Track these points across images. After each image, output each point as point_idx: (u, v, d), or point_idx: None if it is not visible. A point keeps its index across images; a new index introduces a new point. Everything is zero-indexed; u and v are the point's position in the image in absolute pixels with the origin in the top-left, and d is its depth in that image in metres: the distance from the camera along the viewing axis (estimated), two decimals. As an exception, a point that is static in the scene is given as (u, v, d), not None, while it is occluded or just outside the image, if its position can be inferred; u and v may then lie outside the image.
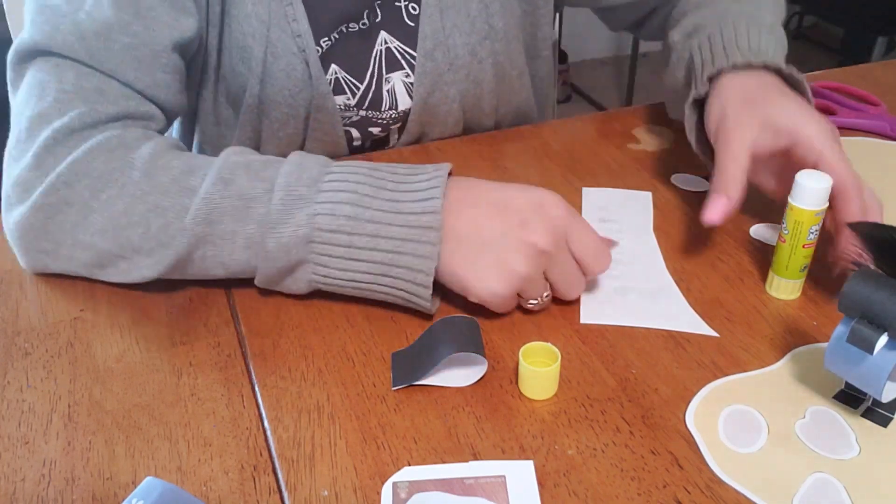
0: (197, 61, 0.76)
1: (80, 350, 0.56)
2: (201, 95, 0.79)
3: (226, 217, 0.56)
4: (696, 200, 0.72)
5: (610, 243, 0.64)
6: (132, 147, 0.61)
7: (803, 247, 0.57)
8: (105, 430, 0.50)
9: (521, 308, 0.58)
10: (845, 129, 0.85)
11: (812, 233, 0.57)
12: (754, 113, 0.62)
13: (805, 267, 0.59)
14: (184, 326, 0.58)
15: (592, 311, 0.59)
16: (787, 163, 0.61)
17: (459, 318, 0.54)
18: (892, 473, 0.46)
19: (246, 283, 0.62)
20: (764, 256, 0.64)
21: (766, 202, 0.71)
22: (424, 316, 0.58)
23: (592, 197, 0.73)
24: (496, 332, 0.57)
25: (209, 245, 0.57)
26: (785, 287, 0.59)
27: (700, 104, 0.70)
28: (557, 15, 0.90)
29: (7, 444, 0.49)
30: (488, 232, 0.54)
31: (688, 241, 0.67)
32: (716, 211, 0.60)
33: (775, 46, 0.69)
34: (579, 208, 0.71)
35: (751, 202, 0.71)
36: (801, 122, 0.60)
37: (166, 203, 0.57)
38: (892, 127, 0.83)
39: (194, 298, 0.61)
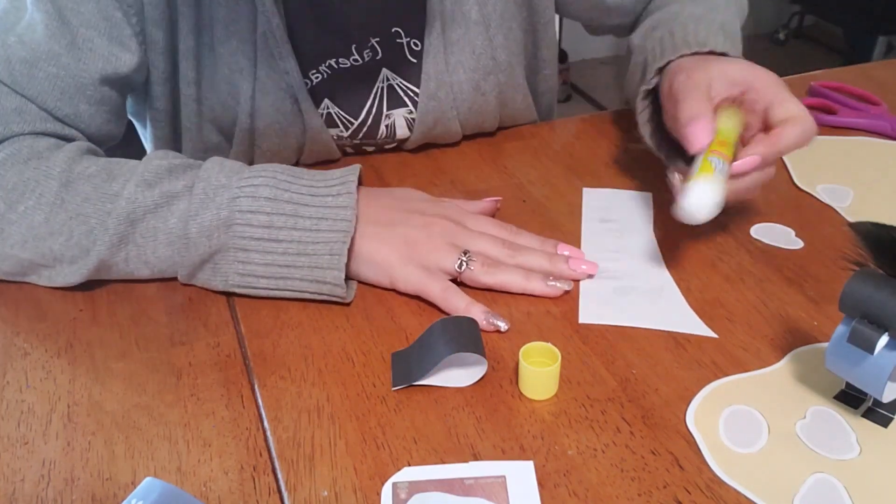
0: (158, 92, 0.75)
1: (79, 350, 0.56)
2: (182, 123, 0.78)
3: (148, 215, 0.58)
4: (697, 200, 0.72)
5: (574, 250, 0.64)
6: (45, 157, 0.61)
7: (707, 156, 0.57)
8: (104, 430, 0.50)
9: (459, 283, 0.60)
10: (845, 129, 0.85)
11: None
12: (707, 68, 0.66)
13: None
14: (184, 326, 0.58)
15: (591, 312, 0.59)
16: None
17: (460, 318, 0.54)
18: (893, 474, 0.46)
19: (246, 283, 0.62)
20: (764, 256, 0.64)
21: (766, 202, 0.71)
22: (424, 316, 0.58)
23: (592, 197, 0.73)
24: (496, 331, 0.57)
25: (132, 245, 0.59)
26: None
27: (654, 100, 0.72)
28: (556, 17, 0.89)
29: (6, 444, 0.49)
30: (396, 214, 0.61)
31: (688, 241, 0.67)
32: (702, 133, 0.60)
33: (724, 40, 0.71)
34: (579, 208, 0.71)
35: (751, 202, 0.72)
36: (754, 72, 0.65)
37: (88, 210, 0.58)
38: (893, 127, 0.83)
39: (194, 298, 0.61)
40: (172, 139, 0.80)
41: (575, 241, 0.66)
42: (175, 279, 0.62)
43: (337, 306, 0.60)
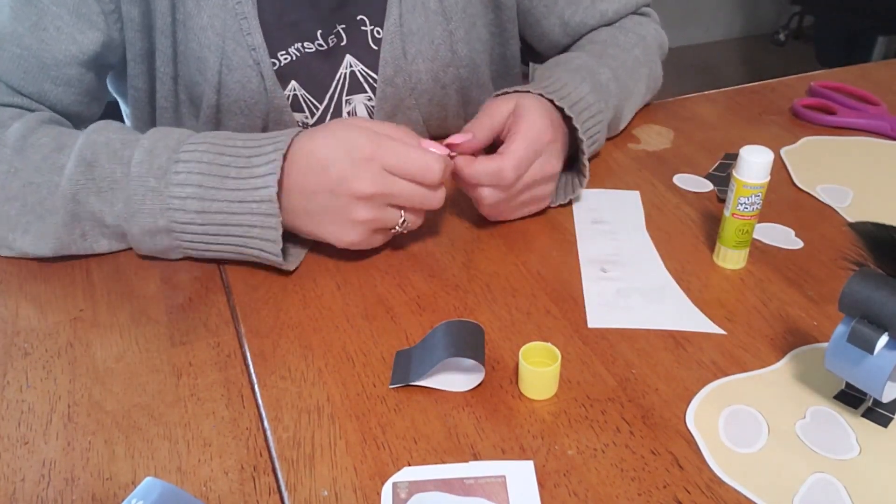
0: (135, 70, 0.76)
1: (79, 350, 0.56)
2: (158, 103, 0.78)
3: (92, 197, 0.61)
4: (697, 200, 0.72)
5: (438, 147, 0.63)
6: (4, 125, 0.64)
7: (732, 216, 0.61)
8: (105, 430, 0.50)
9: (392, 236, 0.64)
10: (845, 129, 0.85)
11: (741, 203, 0.61)
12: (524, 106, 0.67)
13: (742, 238, 0.62)
14: (184, 326, 0.58)
15: (600, 317, 0.58)
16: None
17: (465, 322, 0.54)
18: (893, 473, 0.46)
19: (246, 283, 0.62)
20: (764, 256, 0.64)
21: (766, 202, 0.71)
22: (424, 316, 0.58)
23: (582, 198, 0.73)
24: (496, 332, 0.57)
25: (85, 221, 0.63)
26: (726, 256, 0.63)
27: None
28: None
29: (7, 444, 0.49)
30: (320, 198, 0.60)
31: (688, 241, 0.67)
32: (459, 138, 0.64)
33: (585, 93, 0.71)
34: (570, 207, 0.71)
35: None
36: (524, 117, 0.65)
37: (38, 179, 0.61)
38: (893, 127, 0.83)
39: (194, 298, 0.61)
40: (151, 119, 0.81)
41: (572, 242, 0.66)
42: (174, 280, 0.62)
43: (337, 306, 0.60)
